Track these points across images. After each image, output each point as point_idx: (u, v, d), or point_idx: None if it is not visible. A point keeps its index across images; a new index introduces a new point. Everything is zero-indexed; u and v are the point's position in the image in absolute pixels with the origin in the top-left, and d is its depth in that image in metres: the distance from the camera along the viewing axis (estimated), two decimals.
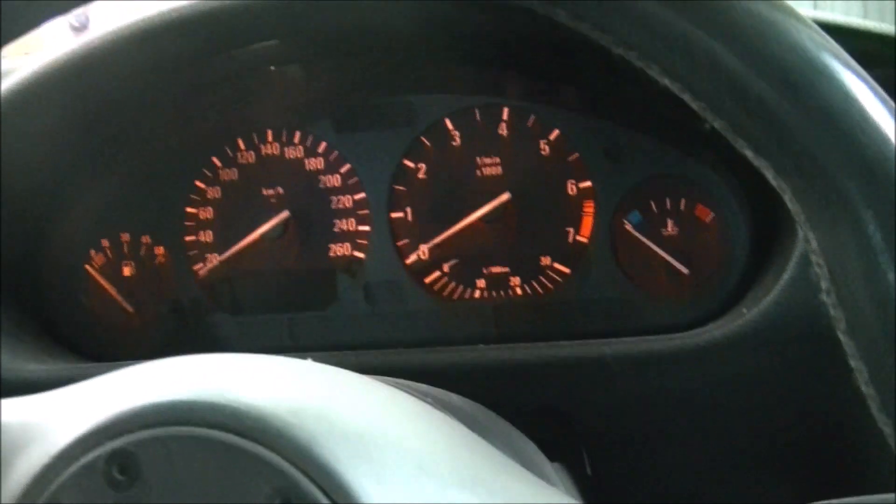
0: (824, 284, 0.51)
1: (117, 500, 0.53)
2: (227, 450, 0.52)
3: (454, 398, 0.98)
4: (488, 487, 0.57)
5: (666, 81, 0.52)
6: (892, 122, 0.49)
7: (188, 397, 0.54)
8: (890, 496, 0.50)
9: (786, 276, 1.11)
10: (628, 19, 0.51)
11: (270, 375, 0.60)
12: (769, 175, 0.51)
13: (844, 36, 1.18)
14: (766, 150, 0.51)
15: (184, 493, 0.52)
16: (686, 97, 0.52)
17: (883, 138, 0.48)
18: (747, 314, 1.13)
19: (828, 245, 0.50)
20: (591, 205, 1.35)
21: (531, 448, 0.99)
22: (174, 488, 0.52)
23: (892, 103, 0.50)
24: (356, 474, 0.51)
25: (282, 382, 0.59)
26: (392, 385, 0.76)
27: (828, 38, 0.51)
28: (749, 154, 0.52)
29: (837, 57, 0.50)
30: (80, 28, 1.39)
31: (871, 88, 0.50)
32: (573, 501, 0.65)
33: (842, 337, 0.50)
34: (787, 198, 0.51)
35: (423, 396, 0.82)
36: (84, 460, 0.53)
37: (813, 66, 0.49)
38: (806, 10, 1.19)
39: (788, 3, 0.51)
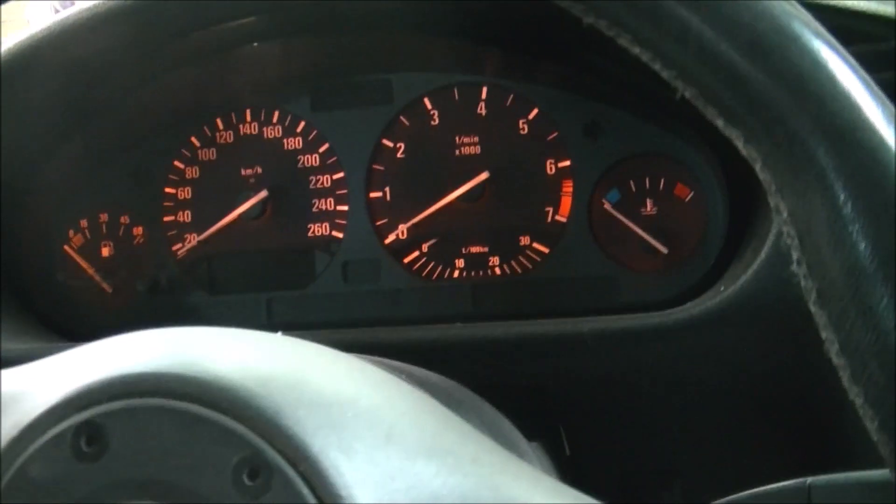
0: (795, 254, 0.50)
1: (85, 471, 0.52)
2: (195, 420, 0.52)
3: (431, 376, 0.97)
4: (457, 457, 0.57)
5: (636, 50, 0.52)
6: (862, 89, 0.49)
7: (155, 368, 0.54)
8: (886, 472, 0.50)
9: (763, 253, 1.11)
10: None
11: (239, 347, 0.60)
12: (740, 143, 0.51)
13: (822, 12, 1.19)
14: (736, 117, 0.50)
15: (151, 464, 0.52)
16: (656, 66, 0.52)
17: (853, 105, 0.48)
18: (725, 291, 1.13)
19: (798, 214, 0.49)
20: (570, 184, 1.35)
21: (508, 426, 0.99)
22: (142, 459, 0.52)
23: (862, 72, 0.50)
24: (323, 444, 0.51)
25: (250, 354, 0.59)
26: (364, 360, 0.76)
27: (798, 6, 0.50)
28: (720, 123, 0.52)
29: (808, 25, 0.50)
30: (63, 10, 1.39)
31: (842, 56, 0.50)
32: (541, 473, 0.65)
33: (812, 308, 0.50)
34: (758, 166, 0.51)
35: (397, 372, 0.82)
36: (52, 432, 0.53)
37: (784, 32, 0.48)
38: None
39: None
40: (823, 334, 0.50)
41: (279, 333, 0.69)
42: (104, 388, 0.53)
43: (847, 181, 0.47)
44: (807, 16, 0.50)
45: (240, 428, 0.51)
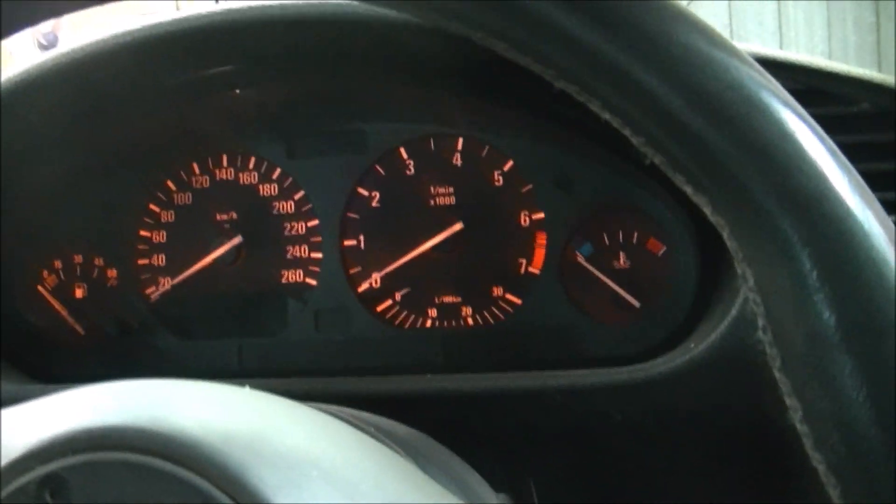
0: (761, 322, 0.51)
1: None
2: (158, 475, 0.52)
3: (399, 428, 0.97)
4: None
5: (606, 115, 0.53)
6: (829, 160, 0.49)
7: (120, 422, 0.54)
8: None
9: (733, 311, 1.11)
10: (569, 54, 0.51)
11: (204, 401, 0.60)
12: (708, 211, 0.52)
13: (791, 72, 1.20)
14: (704, 186, 0.51)
15: None
16: (627, 132, 0.53)
17: (820, 176, 0.48)
18: (694, 349, 1.13)
19: (764, 283, 0.50)
20: (544, 236, 1.35)
21: (476, 479, 0.99)
22: None
23: (829, 141, 0.50)
24: (283, 501, 0.51)
25: (215, 409, 0.59)
26: (332, 413, 0.76)
27: (767, 75, 0.51)
28: (688, 190, 0.52)
29: (776, 95, 0.50)
30: (48, 46, 1.39)
31: (809, 126, 0.50)
32: None
33: (777, 375, 0.50)
34: (725, 234, 0.51)
35: (365, 425, 0.82)
36: (16, 484, 0.53)
37: (751, 103, 0.49)
38: (753, 47, 1.21)
39: (728, 39, 0.51)
40: (787, 401, 0.50)
41: (246, 387, 0.69)
42: (68, 441, 0.53)
43: (812, 252, 0.47)
44: (775, 85, 0.51)
45: (203, 484, 0.51)
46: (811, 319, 0.47)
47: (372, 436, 0.77)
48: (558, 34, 0.51)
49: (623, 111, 0.51)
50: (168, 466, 0.52)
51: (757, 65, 0.51)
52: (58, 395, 0.62)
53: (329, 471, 0.56)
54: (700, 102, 0.49)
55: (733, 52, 0.51)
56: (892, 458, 0.46)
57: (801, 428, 0.49)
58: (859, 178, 0.50)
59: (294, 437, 0.59)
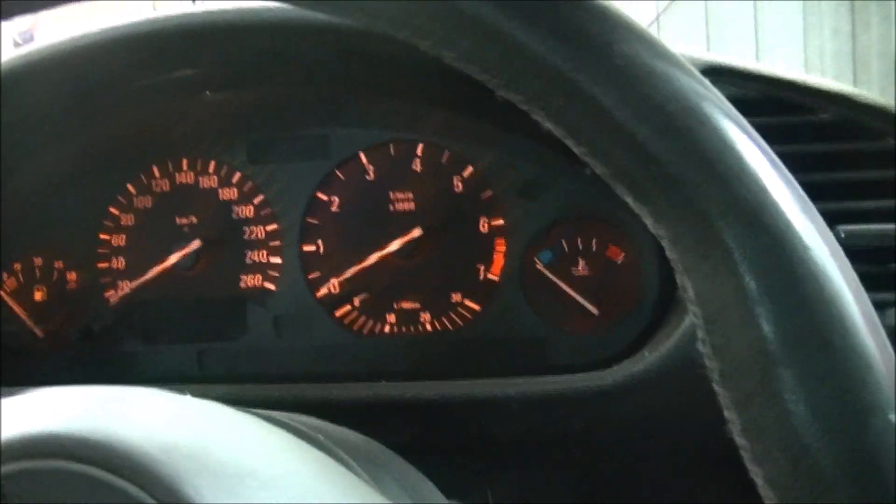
0: (700, 334, 0.51)
1: None
2: (95, 485, 0.51)
3: (350, 435, 0.97)
4: None
5: (549, 125, 0.52)
6: (771, 171, 0.49)
7: (58, 430, 0.53)
8: None
9: (686, 321, 1.12)
10: (510, 63, 0.51)
11: (144, 410, 0.60)
12: (649, 222, 0.52)
13: (750, 81, 1.20)
14: (644, 196, 0.51)
15: None
16: (569, 142, 0.52)
17: (761, 188, 0.48)
18: (648, 357, 1.14)
19: (704, 294, 0.50)
20: (503, 242, 1.35)
21: (428, 487, 0.99)
22: None
23: (771, 154, 0.50)
24: None
25: (155, 418, 0.58)
26: (279, 422, 0.75)
27: (710, 86, 0.51)
28: (629, 200, 0.52)
29: (719, 106, 0.50)
30: (24, 44, 1.38)
31: (752, 138, 0.50)
32: None
33: (716, 388, 0.50)
34: (666, 245, 0.51)
35: (313, 433, 0.81)
36: None
37: (693, 114, 0.49)
38: (703, 55, 1.21)
39: (670, 49, 0.51)
40: (726, 414, 0.50)
41: (187, 395, 0.69)
42: (5, 449, 0.53)
43: (752, 264, 0.47)
44: (718, 97, 0.51)
45: (140, 494, 0.51)
46: (751, 332, 0.47)
47: (319, 444, 0.77)
48: (500, 42, 0.51)
49: (565, 121, 0.51)
50: (104, 475, 0.52)
51: (700, 76, 0.51)
52: None
53: (268, 481, 0.56)
54: (641, 113, 0.49)
55: (676, 62, 0.51)
56: (835, 471, 0.46)
57: (740, 441, 0.49)
58: (801, 190, 0.50)
59: (233, 448, 0.58)
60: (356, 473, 0.74)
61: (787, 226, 0.48)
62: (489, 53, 0.52)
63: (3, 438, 0.53)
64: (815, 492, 0.46)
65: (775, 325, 0.47)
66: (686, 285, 0.50)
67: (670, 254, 0.51)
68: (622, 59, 0.50)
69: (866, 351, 0.46)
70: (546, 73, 0.50)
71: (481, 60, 0.52)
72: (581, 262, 1.33)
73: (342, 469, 0.70)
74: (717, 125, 0.49)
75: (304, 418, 0.91)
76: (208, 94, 1.36)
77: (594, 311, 1.32)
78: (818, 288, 0.47)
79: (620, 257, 1.32)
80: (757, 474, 0.49)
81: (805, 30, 5.93)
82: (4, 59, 1.24)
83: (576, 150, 0.52)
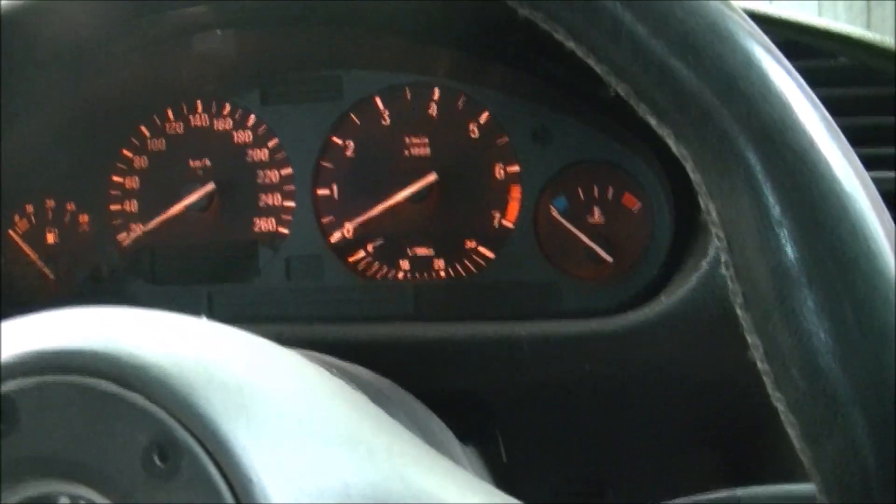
0: (723, 257, 0.50)
1: None
2: (106, 398, 0.51)
3: (363, 372, 0.97)
4: (369, 448, 0.56)
5: (571, 44, 0.52)
6: (794, 90, 0.48)
7: (69, 345, 0.53)
8: (811, 486, 0.50)
9: (703, 265, 1.11)
10: None
11: (156, 328, 0.60)
12: (671, 142, 0.51)
13: (771, 25, 1.19)
14: (667, 115, 0.50)
15: (61, 441, 0.51)
16: (590, 60, 0.52)
17: (784, 106, 0.48)
18: (664, 302, 1.13)
19: (727, 215, 0.49)
20: (518, 189, 1.35)
21: (440, 427, 0.99)
22: (52, 436, 0.52)
23: (795, 73, 0.50)
24: (233, 427, 0.51)
25: (167, 334, 0.58)
26: (293, 351, 0.75)
27: (733, 5, 0.50)
28: (652, 121, 0.51)
29: (741, 24, 0.49)
30: None
31: (774, 57, 0.49)
32: (458, 468, 0.65)
33: (739, 311, 0.50)
34: (689, 166, 0.51)
35: (326, 366, 0.81)
36: None
37: (715, 30, 0.48)
38: None
39: None
40: (749, 338, 0.50)
41: (202, 317, 0.69)
42: (17, 364, 0.53)
43: (775, 183, 0.47)
44: (741, 15, 0.50)
45: (150, 407, 0.51)
46: (773, 253, 0.47)
47: (333, 374, 0.77)
48: None
49: (587, 39, 0.51)
50: (116, 389, 0.51)
51: None
52: (9, 320, 0.61)
53: (279, 397, 0.56)
54: (664, 29, 0.48)
55: None
56: (851, 395, 0.45)
57: (763, 367, 0.49)
58: (825, 111, 0.49)
59: (245, 363, 0.58)
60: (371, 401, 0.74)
61: (810, 145, 0.47)
62: None
63: (15, 355, 0.53)
64: (834, 415, 0.46)
65: (797, 246, 0.46)
66: (709, 207, 0.50)
67: (693, 175, 0.50)
68: None
69: (890, 273, 0.46)
70: None
71: None
72: (596, 210, 1.32)
73: (360, 395, 0.70)
74: (739, 41, 0.48)
75: (317, 354, 0.91)
76: (218, 32, 1.35)
77: (609, 258, 1.31)
78: (841, 207, 0.46)
79: (635, 205, 1.31)
80: (778, 399, 0.48)
81: (819, 4, 5.91)
82: (6, 4, 1.23)
83: (597, 68, 0.52)
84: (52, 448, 0.51)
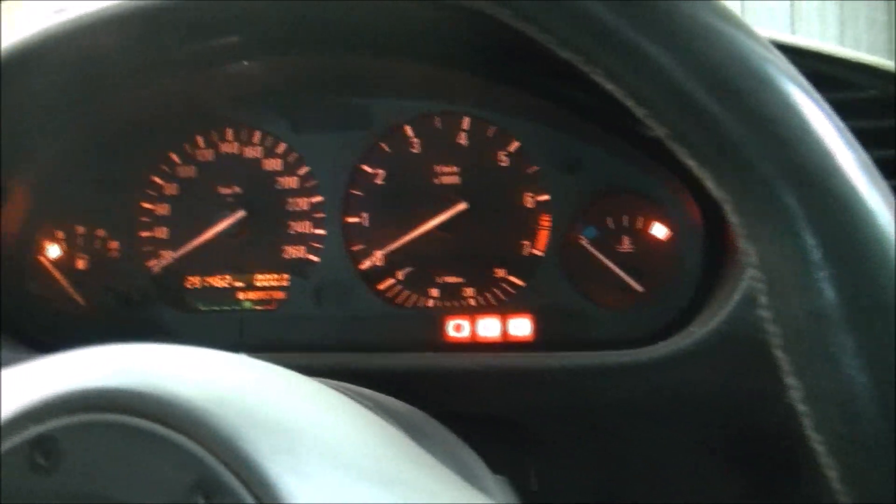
0: (763, 299, 0.50)
1: (39, 484, 0.52)
2: (150, 438, 0.51)
3: (397, 404, 0.97)
4: (410, 487, 0.56)
5: (610, 86, 0.52)
6: (834, 135, 0.49)
7: (113, 384, 0.54)
8: None
9: (735, 296, 1.11)
10: (573, 22, 0.50)
11: (200, 366, 0.60)
12: (711, 186, 0.51)
13: (799, 57, 1.19)
14: (707, 159, 0.50)
15: (105, 481, 0.52)
16: (630, 103, 0.52)
17: (824, 151, 0.48)
18: (696, 333, 1.13)
19: (767, 259, 0.49)
20: (548, 218, 1.35)
21: (473, 458, 0.99)
22: (96, 475, 0.52)
23: (835, 117, 0.50)
24: (277, 468, 0.51)
25: (210, 374, 0.58)
26: (331, 386, 0.75)
27: (773, 49, 0.50)
28: (692, 164, 0.52)
29: (781, 69, 0.49)
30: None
31: (814, 101, 0.49)
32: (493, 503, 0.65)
33: (778, 353, 0.50)
34: (729, 209, 0.51)
35: (363, 399, 0.81)
36: (9, 443, 0.53)
37: (756, 75, 0.48)
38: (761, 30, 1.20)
39: (733, 11, 0.51)
40: (788, 381, 0.49)
41: (242, 355, 0.69)
42: (62, 402, 0.53)
43: (816, 228, 0.47)
44: (781, 59, 0.50)
45: (195, 448, 0.51)
46: (814, 297, 0.47)
47: (370, 410, 0.77)
48: (564, 3, 0.50)
49: (627, 82, 0.51)
50: (161, 430, 0.52)
51: (763, 38, 0.51)
52: (53, 357, 0.62)
53: (325, 440, 0.56)
54: (705, 74, 0.48)
55: (740, 25, 0.50)
56: (891, 441, 0.45)
57: (802, 409, 0.49)
58: (864, 154, 0.50)
59: (287, 403, 0.58)
60: (407, 435, 0.74)
61: (851, 190, 0.47)
62: (548, 12, 0.51)
63: (59, 393, 0.54)
64: (874, 459, 0.46)
65: (838, 290, 0.46)
66: (749, 250, 0.50)
67: (732, 218, 0.50)
68: (686, 20, 0.49)
69: None
70: (608, 34, 0.50)
71: (539, 19, 0.52)
72: (625, 239, 1.32)
73: (397, 432, 0.70)
74: (779, 87, 0.49)
75: (352, 386, 0.91)
76: (245, 63, 1.36)
77: (638, 288, 1.31)
78: (881, 253, 0.46)
79: (664, 234, 1.31)
80: (818, 441, 0.48)
81: (841, 21, 5.89)
82: (41, 27, 1.24)
83: (637, 112, 0.52)
84: (96, 487, 0.52)
